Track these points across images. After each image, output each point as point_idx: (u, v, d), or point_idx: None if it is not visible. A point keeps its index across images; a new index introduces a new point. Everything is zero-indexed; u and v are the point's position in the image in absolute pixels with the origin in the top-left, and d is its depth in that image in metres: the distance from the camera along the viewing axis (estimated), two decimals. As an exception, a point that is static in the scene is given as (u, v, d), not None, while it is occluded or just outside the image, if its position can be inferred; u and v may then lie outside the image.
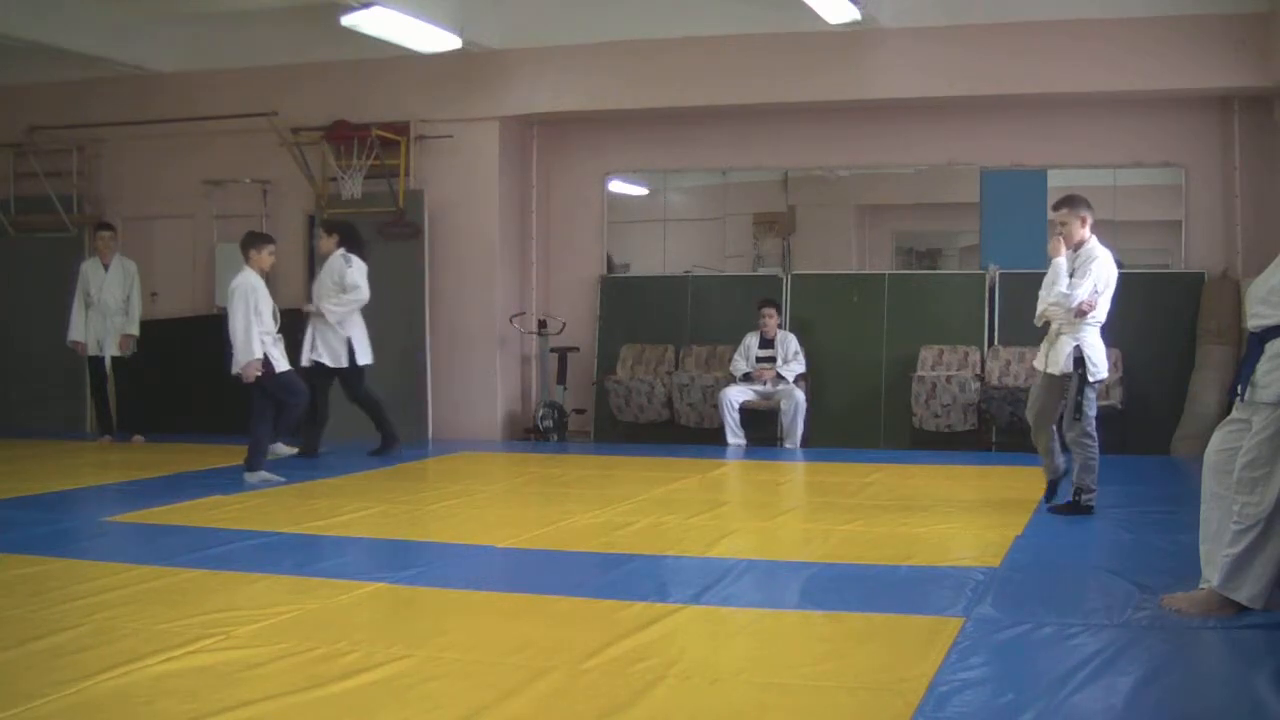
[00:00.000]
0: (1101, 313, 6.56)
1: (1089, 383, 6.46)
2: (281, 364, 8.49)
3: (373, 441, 9.78)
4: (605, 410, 11.23)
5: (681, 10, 10.59)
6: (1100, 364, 6.50)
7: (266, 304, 8.46)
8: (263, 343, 8.29)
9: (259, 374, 8.27)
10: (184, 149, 11.80)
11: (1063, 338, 6.53)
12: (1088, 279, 6.44)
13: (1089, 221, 6.60)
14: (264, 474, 8.25)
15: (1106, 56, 9.78)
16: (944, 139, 10.73)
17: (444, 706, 3.46)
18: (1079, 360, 6.44)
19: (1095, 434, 6.54)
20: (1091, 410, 6.53)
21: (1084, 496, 6.60)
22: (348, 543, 6.14)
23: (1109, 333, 6.78)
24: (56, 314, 10.97)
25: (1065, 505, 6.69)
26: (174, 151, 11.85)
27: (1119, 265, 6.69)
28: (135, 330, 10.82)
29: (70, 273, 10.98)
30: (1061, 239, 6.62)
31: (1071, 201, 6.66)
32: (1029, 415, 6.84)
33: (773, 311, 10.54)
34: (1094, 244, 6.57)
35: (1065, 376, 6.51)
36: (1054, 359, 6.56)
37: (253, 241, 8.64)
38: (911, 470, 8.68)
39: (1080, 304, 6.44)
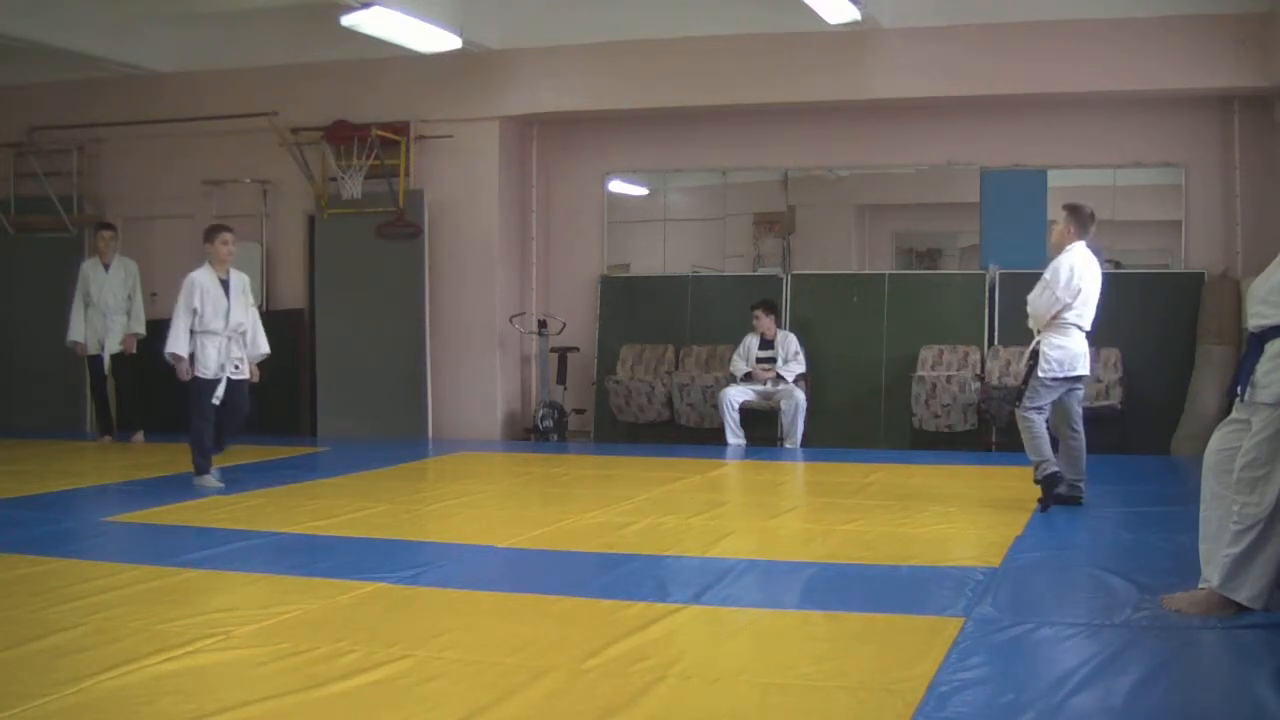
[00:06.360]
0: (1076, 317, 6.75)
1: (1039, 378, 6.72)
2: (206, 370, 7.88)
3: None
4: (605, 410, 11.22)
5: (681, 10, 10.58)
6: (1057, 363, 6.75)
7: (213, 302, 7.85)
8: (193, 342, 7.81)
9: (185, 375, 7.82)
10: (184, 149, 11.79)
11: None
12: (1039, 285, 6.78)
13: (1075, 233, 6.82)
14: (209, 478, 7.85)
15: (1106, 56, 9.78)
16: (944, 139, 10.72)
17: (444, 706, 3.46)
18: (1034, 353, 6.79)
19: (1080, 429, 6.92)
20: (1074, 407, 6.89)
21: (1036, 472, 6.83)
22: (348, 543, 6.13)
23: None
24: (57, 314, 10.96)
25: (1040, 491, 6.83)
26: (174, 151, 11.84)
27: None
28: (141, 329, 10.80)
29: (70, 273, 10.97)
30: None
31: (1071, 209, 6.90)
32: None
33: (760, 314, 10.48)
34: (1065, 253, 6.78)
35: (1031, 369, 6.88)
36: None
37: (205, 234, 8.13)
38: (911, 470, 8.67)
39: (1032, 309, 6.81)
